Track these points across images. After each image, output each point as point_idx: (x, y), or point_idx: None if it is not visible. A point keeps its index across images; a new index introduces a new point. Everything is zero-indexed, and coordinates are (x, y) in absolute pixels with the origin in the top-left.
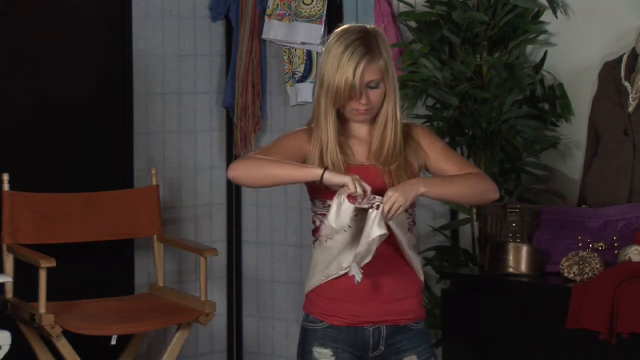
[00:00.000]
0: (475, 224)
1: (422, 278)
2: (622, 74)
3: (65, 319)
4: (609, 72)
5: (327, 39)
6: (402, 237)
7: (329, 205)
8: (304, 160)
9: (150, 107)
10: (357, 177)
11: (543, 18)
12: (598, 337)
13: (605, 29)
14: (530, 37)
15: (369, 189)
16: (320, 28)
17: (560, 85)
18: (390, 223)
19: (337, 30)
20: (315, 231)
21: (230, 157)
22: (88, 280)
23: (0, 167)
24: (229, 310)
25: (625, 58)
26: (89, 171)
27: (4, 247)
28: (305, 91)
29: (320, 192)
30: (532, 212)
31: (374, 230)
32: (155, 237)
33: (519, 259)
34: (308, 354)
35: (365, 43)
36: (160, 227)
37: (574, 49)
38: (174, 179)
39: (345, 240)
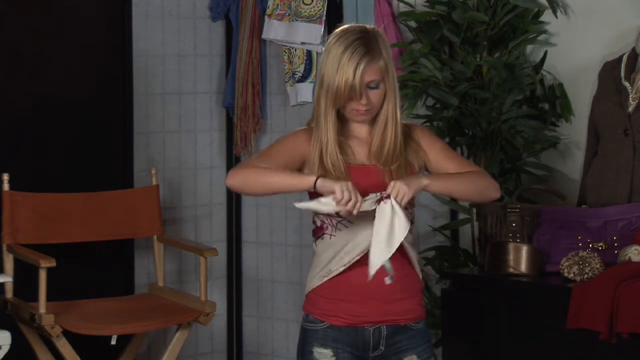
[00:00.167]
0: (475, 224)
1: (421, 277)
2: (622, 74)
3: (65, 319)
4: (609, 72)
5: (327, 39)
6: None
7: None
8: (303, 162)
9: (150, 107)
10: (349, 183)
11: (543, 18)
12: (598, 337)
13: (605, 29)
14: (530, 37)
15: (359, 199)
16: (320, 28)
17: (560, 85)
18: None
19: (337, 30)
20: (316, 231)
21: (230, 157)
22: (88, 280)
23: (0, 167)
24: (229, 310)
25: (625, 58)
26: (89, 171)
27: (4, 247)
28: (305, 91)
29: (319, 192)
30: (532, 212)
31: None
32: (155, 237)
33: (519, 259)
34: (308, 354)
35: (365, 43)
36: (160, 227)
37: (574, 49)
38: (174, 179)
39: (348, 236)
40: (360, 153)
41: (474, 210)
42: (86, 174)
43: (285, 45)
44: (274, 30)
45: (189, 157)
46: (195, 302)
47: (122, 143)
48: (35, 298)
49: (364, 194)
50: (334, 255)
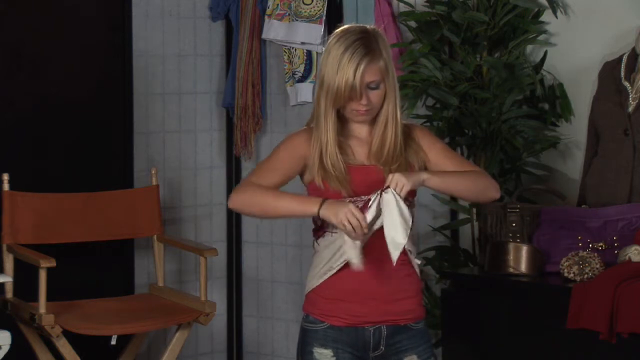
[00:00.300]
0: (475, 224)
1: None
2: (622, 74)
3: (65, 319)
4: (609, 72)
5: (327, 39)
6: None
7: None
8: (304, 164)
9: (150, 107)
10: (350, 207)
11: (543, 18)
12: (598, 337)
13: (605, 29)
14: (530, 37)
15: (363, 218)
16: (320, 28)
17: (560, 85)
18: None
19: (337, 30)
20: (316, 231)
21: (230, 157)
22: (88, 280)
23: (0, 167)
24: (229, 310)
25: (625, 58)
26: (89, 171)
27: (4, 247)
28: (305, 91)
29: (319, 192)
30: (532, 212)
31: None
32: (155, 237)
33: (519, 259)
34: (308, 355)
35: (365, 44)
36: (160, 227)
37: (574, 49)
38: (174, 179)
39: None
40: (360, 153)
41: (474, 210)
42: (86, 174)
43: (285, 45)
44: (274, 30)
45: (189, 157)
46: (195, 302)
47: (122, 143)
48: (35, 298)
49: (364, 193)
50: (335, 252)
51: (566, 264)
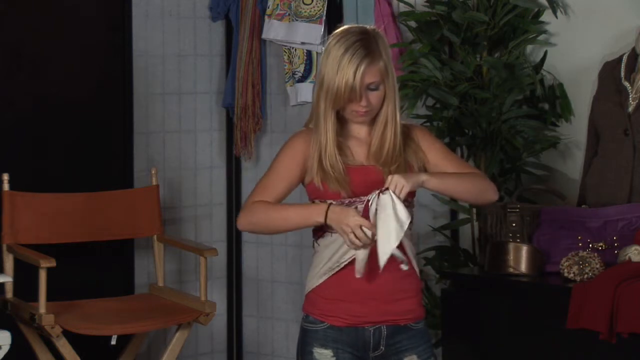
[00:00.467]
0: (475, 224)
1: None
2: (622, 74)
3: (65, 319)
4: (609, 72)
5: (327, 40)
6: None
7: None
8: (306, 165)
9: (150, 107)
10: (357, 219)
11: (543, 18)
12: (598, 337)
13: (605, 29)
14: (530, 37)
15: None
16: (320, 28)
17: (560, 85)
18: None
19: (337, 31)
20: (316, 231)
21: (230, 157)
22: (88, 280)
23: (0, 167)
24: (229, 310)
25: (625, 58)
26: (89, 171)
27: (4, 247)
28: (305, 91)
29: (319, 193)
30: (532, 212)
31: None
32: (155, 237)
33: (519, 259)
34: (308, 355)
35: (365, 45)
36: (160, 227)
37: (574, 49)
38: (174, 179)
39: None
40: (359, 153)
41: (474, 210)
42: (86, 174)
43: (285, 45)
44: (274, 30)
45: (189, 157)
46: (195, 302)
47: (122, 143)
48: (35, 298)
49: (364, 194)
50: (335, 252)
51: (566, 264)
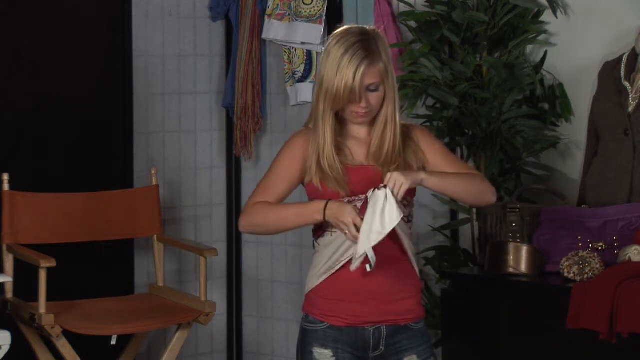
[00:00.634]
0: (475, 224)
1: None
2: (622, 74)
3: (65, 319)
4: (609, 72)
5: (327, 40)
6: (403, 236)
7: None
8: (304, 166)
9: (150, 107)
10: (351, 218)
11: (543, 18)
12: (598, 337)
13: (605, 29)
14: (530, 37)
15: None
16: (320, 28)
17: (560, 85)
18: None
19: (337, 31)
20: (316, 231)
21: (230, 157)
22: (88, 280)
23: (0, 167)
24: (229, 310)
25: (625, 58)
26: (89, 171)
27: (4, 247)
28: (305, 91)
29: (318, 193)
30: (532, 212)
31: (395, 211)
32: (155, 237)
33: (519, 259)
34: (308, 355)
35: (365, 46)
36: (160, 227)
37: (574, 49)
38: (174, 179)
39: None
40: (358, 153)
41: (474, 210)
42: (86, 174)
43: (285, 45)
44: (274, 30)
45: (189, 157)
46: (195, 302)
47: (122, 143)
48: (35, 298)
49: (363, 193)
50: (335, 251)
51: (566, 264)
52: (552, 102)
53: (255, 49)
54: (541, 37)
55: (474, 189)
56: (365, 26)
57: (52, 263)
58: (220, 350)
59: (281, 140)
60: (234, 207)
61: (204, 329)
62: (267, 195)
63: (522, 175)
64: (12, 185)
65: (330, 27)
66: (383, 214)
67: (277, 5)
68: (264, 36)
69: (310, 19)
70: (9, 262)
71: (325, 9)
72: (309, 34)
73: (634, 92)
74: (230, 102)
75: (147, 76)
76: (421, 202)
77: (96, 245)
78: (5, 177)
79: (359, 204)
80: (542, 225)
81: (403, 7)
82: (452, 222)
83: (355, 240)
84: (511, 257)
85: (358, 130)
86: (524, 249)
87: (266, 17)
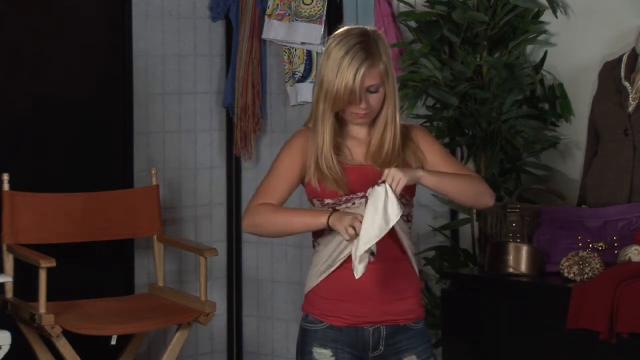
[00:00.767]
0: (475, 224)
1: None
2: (622, 74)
3: (65, 319)
4: (609, 72)
5: (327, 41)
6: (403, 235)
7: (327, 205)
8: (304, 165)
9: (150, 107)
10: (353, 219)
11: (543, 18)
12: (598, 337)
13: (605, 29)
14: (530, 37)
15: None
16: (320, 28)
17: (560, 85)
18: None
19: (337, 32)
20: (316, 231)
21: (230, 157)
22: (88, 280)
23: (0, 167)
24: (229, 310)
25: (625, 58)
26: (89, 171)
27: (4, 247)
28: (305, 91)
29: (317, 193)
30: (532, 212)
31: (396, 205)
32: (155, 237)
33: (519, 259)
34: (308, 355)
35: (365, 47)
36: (160, 227)
37: (574, 49)
38: (174, 179)
39: None
40: (358, 153)
41: (474, 210)
42: (86, 174)
43: (285, 45)
44: (274, 30)
45: (189, 157)
46: (195, 302)
47: (122, 143)
48: (35, 298)
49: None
50: (334, 249)
51: (566, 264)
52: (552, 102)
53: (255, 49)
54: (541, 37)
55: (471, 190)
56: (365, 27)
57: (52, 263)
58: (220, 350)
59: (281, 140)
60: (234, 207)
61: (204, 329)
62: (269, 196)
63: (522, 175)
64: (12, 185)
65: (330, 27)
66: (385, 210)
67: (277, 5)
68: (264, 36)
69: (310, 19)
70: (9, 262)
71: (325, 9)
72: (309, 34)
73: (634, 92)
74: (230, 102)
75: (147, 76)
76: (421, 202)
77: (96, 245)
78: (5, 177)
79: (357, 202)
80: (542, 225)
81: (403, 7)
82: (452, 222)
83: (348, 237)
84: (511, 257)
85: (358, 131)
86: (524, 249)
87: (266, 17)
